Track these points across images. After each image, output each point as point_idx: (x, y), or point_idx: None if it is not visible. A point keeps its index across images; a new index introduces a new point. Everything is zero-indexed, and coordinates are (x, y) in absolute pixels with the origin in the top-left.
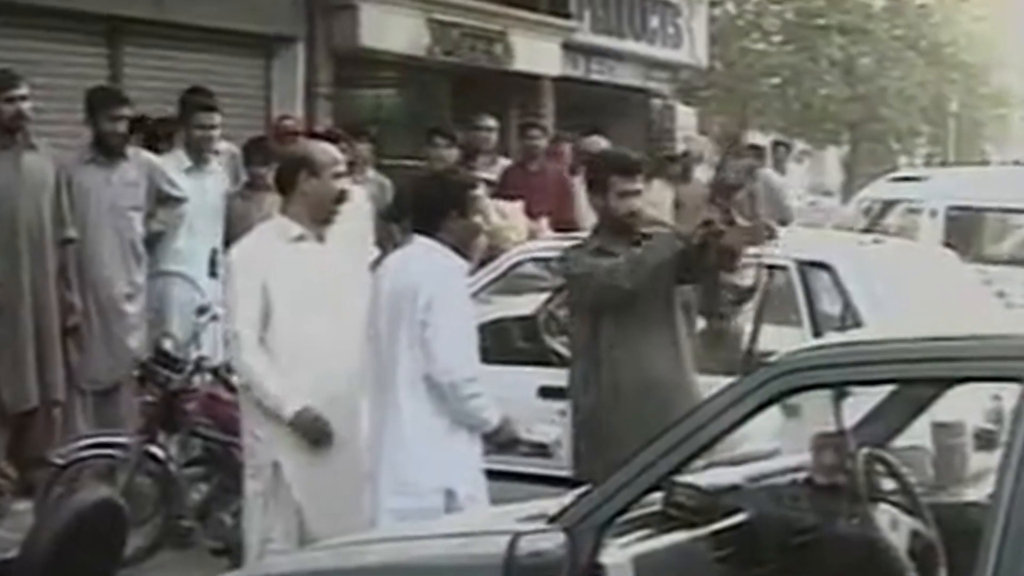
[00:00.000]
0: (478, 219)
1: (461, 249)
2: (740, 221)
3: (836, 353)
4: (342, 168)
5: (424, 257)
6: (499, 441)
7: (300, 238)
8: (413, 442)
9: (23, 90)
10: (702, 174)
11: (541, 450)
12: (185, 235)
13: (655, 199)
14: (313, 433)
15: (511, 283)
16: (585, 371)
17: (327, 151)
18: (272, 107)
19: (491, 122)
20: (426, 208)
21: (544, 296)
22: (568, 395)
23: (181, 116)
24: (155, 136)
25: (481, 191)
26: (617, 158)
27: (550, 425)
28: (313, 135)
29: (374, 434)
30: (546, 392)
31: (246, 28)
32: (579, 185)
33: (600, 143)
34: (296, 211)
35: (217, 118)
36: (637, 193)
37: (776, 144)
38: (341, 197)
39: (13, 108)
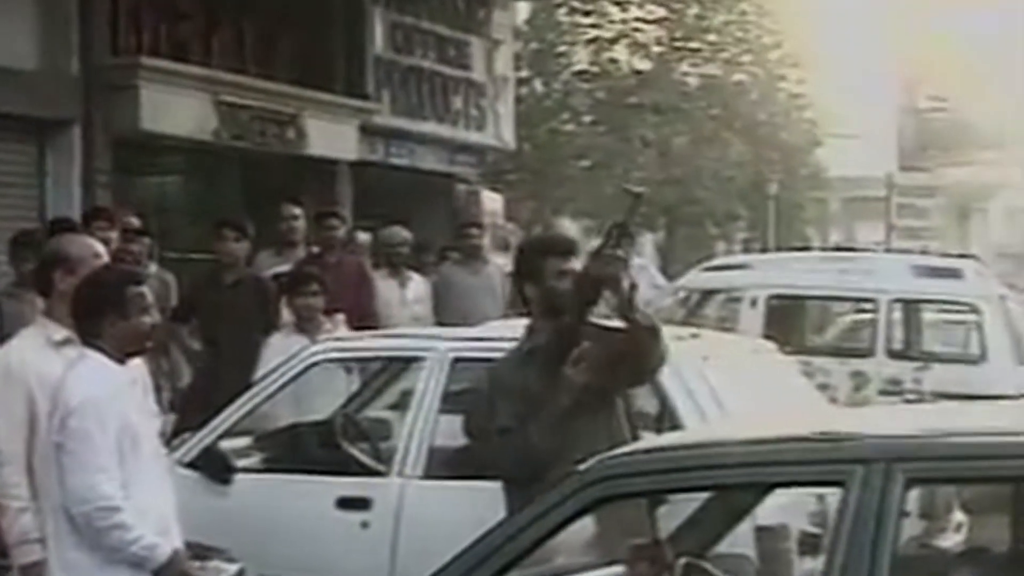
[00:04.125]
0: (145, 318)
1: (124, 355)
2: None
3: (651, 459)
4: (103, 260)
5: (75, 370)
6: None
7: (65, 341)
8: None
9: None
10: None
11: None
12: None
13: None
14: None
15: (306, 385)
16: None
17: (84, 244)
18: (46, 196)
19: (296, 210)
20: (82, 312)
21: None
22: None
23: None
24: None
25: (145, 288)
26: (552, 239)
27: (228, 562)
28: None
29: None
30: (345, 503)
31: (15, 111)
32: (380, 278)
33: (401, 233)
34: (59, 313)
35: None
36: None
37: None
38: None
39: None
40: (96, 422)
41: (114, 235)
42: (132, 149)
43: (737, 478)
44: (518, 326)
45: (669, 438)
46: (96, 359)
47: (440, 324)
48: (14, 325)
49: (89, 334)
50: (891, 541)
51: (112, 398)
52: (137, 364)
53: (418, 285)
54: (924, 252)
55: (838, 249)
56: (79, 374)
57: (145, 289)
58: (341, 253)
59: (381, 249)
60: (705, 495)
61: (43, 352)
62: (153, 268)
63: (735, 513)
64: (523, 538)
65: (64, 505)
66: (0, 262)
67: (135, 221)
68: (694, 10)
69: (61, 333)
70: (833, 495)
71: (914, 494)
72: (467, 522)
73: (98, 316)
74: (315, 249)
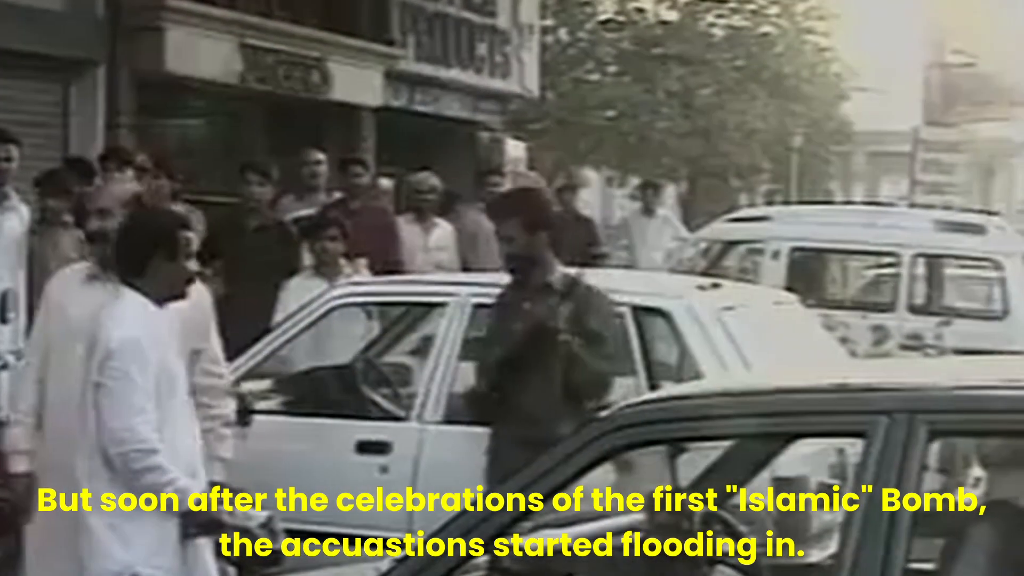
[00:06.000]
0: (191, 263)
1: (168, 297)
2: None
3: (674, 407)
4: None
5: (115, 310)
6: (200, 523)
7: (92, 278)
8: (91, 519)
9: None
10: None
11: (247, 535)
12: None
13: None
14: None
15: (326, 329)
16: None
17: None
18: (70, 136)
19: (319, 155)
20: (127, 251)
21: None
22: None
23: None
24: None
25: (192, 234)
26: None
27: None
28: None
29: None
30: (365, 447)
31: (41, 50)
32: (405, 224)
33: (431, 179)
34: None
35: (15, 150)
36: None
37: (644, 185)
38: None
39: None
40: (136, 363)
41: (129, 175)
42: (156, 91)
43: (759, 428)
44: None
45: (690, 387)
46: (135, 299)
47: (465, 270)
48: (38, 264)
49: (132, 274)
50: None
51: (152, 339)
52: (200, 293)
53: (443, 232)
54: (947, 208)
55: (861, 203)
56: (118, 314)
57: (193, 235)
58: (365, 200)
59: (410, 195)
60: (725, 444)
61: (74, 286)
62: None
63: (755, 463)
64: (542, 485)
65: (101, 445)
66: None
67: (148, 162)
68: None
69: (93, 270)
70: (853, 447)
71: (935, 447)
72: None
73: (145, 256)
74: (337, 195)
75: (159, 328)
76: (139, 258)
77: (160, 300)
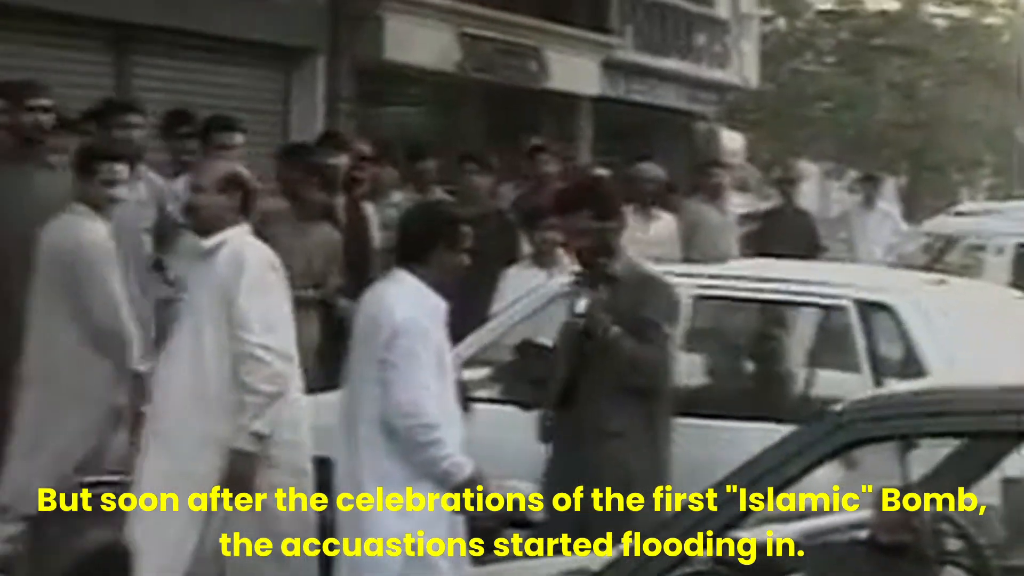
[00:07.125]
0: (465, 256)
1: (442, 285)
2: None
3: (906, 402)
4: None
5: (395, 291)
6: (484, 514)
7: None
8: (368, 488)
9: (45, 101)
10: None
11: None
12: None
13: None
14: None
15: (547, 318)
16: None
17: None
18: (291, 123)
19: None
20: (412, 239)
21: None
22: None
23: (201, 133)
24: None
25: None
26: None
27: (521, 481)
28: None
29: (341, 476)
30: None
31: (264, 38)
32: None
33: (654, 170)
34: None
35: (239, 138)
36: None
37: (866, 178)
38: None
39: (32, 118)
40: (421, 341)
41: (344, 160)
42: (375, 79)
43: (993, 425)
44: (758, 265)
45: (921, 383)
46: (414, 282)
47: (687, 261)
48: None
49: (413, 260)
50: None
51: (431, 320)
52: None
53: (664, 225)
54: None
55: None
56: (403, 295)
57: (470, 231)
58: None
59: (631, 185)
60: (955, 442)
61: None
62: (397, 197)
63: (984, 462)
64: (771, 479)
65: (385, 418)
66: None
67: (366, 148)
68: None
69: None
70: None
71: None
72: (702, 461)
73: (429, 245)
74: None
75: (436, 309)
76: (423, 246)
77: (438, 285)
